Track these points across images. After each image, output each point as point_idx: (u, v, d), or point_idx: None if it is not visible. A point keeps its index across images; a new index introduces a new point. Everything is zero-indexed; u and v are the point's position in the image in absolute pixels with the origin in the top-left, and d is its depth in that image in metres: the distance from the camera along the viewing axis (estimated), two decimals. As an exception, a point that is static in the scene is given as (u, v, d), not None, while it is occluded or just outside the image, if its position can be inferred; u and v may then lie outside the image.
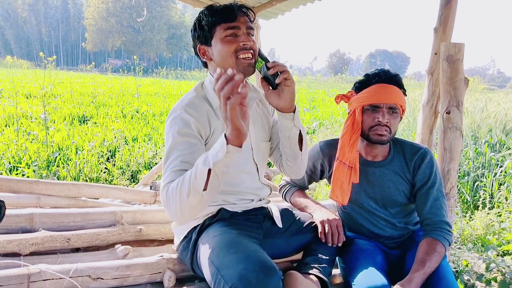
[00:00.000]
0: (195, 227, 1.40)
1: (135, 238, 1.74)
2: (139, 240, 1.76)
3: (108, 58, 73.69)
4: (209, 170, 1.06)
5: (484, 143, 4.82)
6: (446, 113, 1.92)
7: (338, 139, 1.64)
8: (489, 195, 4.02)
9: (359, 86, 1.59)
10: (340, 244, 1.54)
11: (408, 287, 1.31)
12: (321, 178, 1.78)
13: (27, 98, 10.73)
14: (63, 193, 2.05)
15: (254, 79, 3.17)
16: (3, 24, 72.97)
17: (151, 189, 2.87)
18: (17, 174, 4.14)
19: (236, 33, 1.30)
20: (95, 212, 1.76)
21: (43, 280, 1.24)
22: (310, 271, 1.42)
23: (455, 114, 1.91)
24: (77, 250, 1.64)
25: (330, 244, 1.53)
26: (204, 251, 1.27)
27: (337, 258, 1.63)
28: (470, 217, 3.61)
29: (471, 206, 4.06)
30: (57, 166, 4.57)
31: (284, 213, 1.60)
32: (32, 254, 1.50)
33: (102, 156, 5.17)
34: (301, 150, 1.41)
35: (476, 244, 3.05)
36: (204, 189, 1.08)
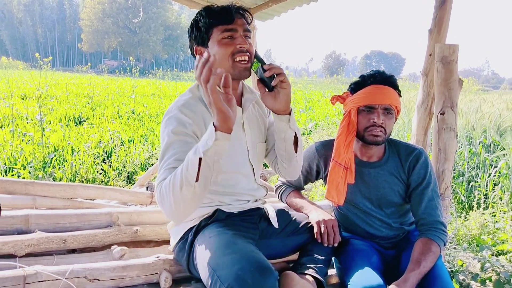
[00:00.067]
0: (191, 228, 1.40)
1: (131, 239, 1.74)
2: (135, 241, 1.76)
3: (104, 59, 73.52)
4: (200, 160, 1.07)
5: (479, 144, 4.85)
6: (441, 114, 1.93)
7: (333, 139, 1.65)
8: (484, 195, 4.05)
9: (355, 87, 1.59)
10: (336, 245, 1.55)
11: (403, 287, 1.32)
12: (316, 178, 1.79)
13: (23, 99, 10.68)
14: (59, 194, 2.05)
15: (251, 81, 3.18)
16: (-1, 25, 72.66)
17: (147, 190, 2.87)
18: (12, 175, 4.13)
19: (233, 36, 1.30)
20: (91, 213, 1.75)
21: (39, 281, 1.24)
22: (306, 271, 1.43)
23: (449, 115, 1.92)
24: (73, 251, 1.64)
25: (326, 245, 1.53)
26: (200, 252, 1.27)
27: (333, 258, 1.64)
28: (465, 217, 3.64)
29: (466, 206, 4.08)
30: (53, 167, 4.55)
31: (280, 213, 1.60)
32: (28, 255, 1.50)
33: (98, 157, 5.16)
34: (296, 152, 1.42)
35: (471, 244, 3.07)
36: (197, 180, 1.08)
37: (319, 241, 1.54)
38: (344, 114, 1.62)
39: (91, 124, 7.54)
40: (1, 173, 4.17)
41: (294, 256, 1.61)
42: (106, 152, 5.45)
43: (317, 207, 1.67)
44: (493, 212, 3.62)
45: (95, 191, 2.23)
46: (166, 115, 1.33)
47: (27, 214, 1.64)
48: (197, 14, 1.36)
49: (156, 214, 1.90)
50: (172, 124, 1.28)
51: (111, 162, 5.01)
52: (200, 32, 1.33)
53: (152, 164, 4.93)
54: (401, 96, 1.60)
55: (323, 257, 1.52)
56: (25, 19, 73.95)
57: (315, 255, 1.51)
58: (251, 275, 1.06)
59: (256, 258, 1.12)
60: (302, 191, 1.88)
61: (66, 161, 4.80)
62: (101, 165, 4.87)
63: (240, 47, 1.29)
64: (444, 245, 1.48)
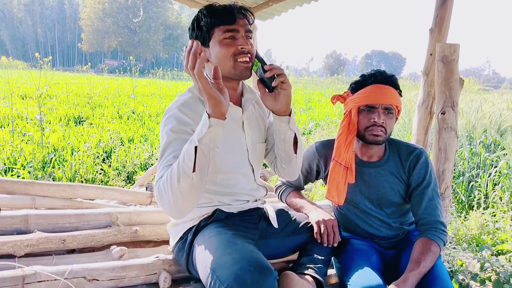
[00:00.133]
0: (190, 228, 1.40)
1: (130, 239, 1.74)
2: (134, 241, 1.76)
3: (104, 59, 73.54)
4: (196, 150, 1.07)
5: (479, 144, 4.84)
6: (441, 113, 1.93)
7: (334, 139, 1.65)
8: (484, 195, 4.05)
9: (355, 87, 1.59)
10: (335, 244, 1.55)
11: (403, 286, 1.32)
12: (316, 178, 1.78)
13: (23, 99, 10.67)
14: (58, 194, 2.05)
15: (251, 81, 3.17)
16: (-1, 25, 72.69)
17: (147, 190, 2.86)
18: (12, 175, 4.12)
19: (234, 36, 1.29)
20: (90, 213, 1.75)
21: (38, 281, 1.23)
22: (306, 271, 1.43)
23: (450, 115, 1.92)
24: (72, 251, 1.64)
25: (325, 245, 1.53)
26: (200, 252, 1.27)
27: (332, 258, 1.63)
28: (465, 217, 3.63)
29: (466, 206, 4.08)
30: (53, 167, 4.55)
31: (280, 213, 1.60)
32: (27, 255, 1.50)
33: (98, 157, 5.15)
34: (296, 153, 1.41)
35: (470, 244, 3.06)
36: (194, 170, 1.08)
37: (319, 241, 1.54)
38: (344, 113, 1.62)
39: (91, 124, 7.54)
40: (1, 173, 4.17)
41: (294, 256, 1.61)
42: (105, 152, 5.45)
43: (317, 207, 1.67)
44: (493, 212, 3.61)
45: (94, 191, 2.22)
46: (165, 114, 1.33)
47: (26, 214, 1.63)
48: (198, 12, 1.35)
49: (156, 214, 1.89)
50: (171, 122, 1.27)
51: (110, 162, 5.01)
52: (201, 32, 1.32)
53: (152, 164, 4.92)
54: (401, 96, 1.59)
55: (323, 257, 1.52)
56: (25, 18, 73.98)
57: (315, 255, 1.51)
58: (250, 275, 1.05)
59: (255, 258, 1.11)
60: (302, 191, 1.87)
61: (65, 161, 4.80)
62: (101, 165, 4.87)
63: (242, 48, 1.28)
64: (444, 245, 1.48)
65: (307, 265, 1.46)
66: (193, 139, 1.10)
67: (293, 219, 1.60)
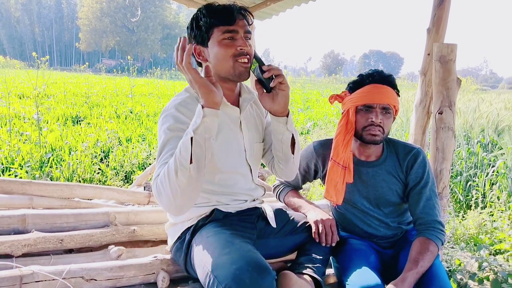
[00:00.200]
0: (188, 228, 1.40)
1: (128, 239, 1.73)
2: (132, 241, 1.75)
3: (102, 58, 73.30)
4: (192, 140, 1.08)
5: (477, 143, 4.86)
6: (439, 113, 1.93)
7: (331, 139, 1.65)
8: (482, 194, 4.06)
9: (353, 87, 1.59)
10: (333, 244, 1.55)
11: (401, 286, 1.32)
12: (314, 178, 1.79)
13: (20, 98, 10.64)
14: (56, 194, 2.04)
15: (249, 81, 3.17)
16: (-4, 24, 72.45)
17: (144, 189, 2.86)
18: (9, 175, 4.11)
19: (233, 37, 1.28)
20: (88, 213, 1.75)
21: (36, 281, 1.23)
22: (304, 271, 1.43)
23: (447, 115, 1.92)
24: (70, 251, 1.63)
25: (323, 244, 1.53)
26: (198, 252, 1.27)
27: (331, 258, 1.63)
28: (463, 217, 3.64)
29: (464, 205, 4.09)
30: (50, 167, 4.54)
31: (278, 213, 1.60)
32: (24, 255, 1.49)
33: (95, 156, 5.14)
34: (293, 153, 1.41)
35: (468, 243, 3.07)
36: (191, 162, 1.09)
37: (317, 240, 1.54)
38: (342, 113, 1.62)
39: (88, 123, 7.52)
40: (-2, 173, 4.16)
41: (292, 256, 1.61)
42: (103, 152, 5.44)
43: (315, 207, 1.67)
44: (491, 212, 3.63)
45: (92, 190, 2.22)
46: (163, 113, 1.33)
47: (24, 214, 1.63)
48: (197, 11, 1.34)
49: (154, 214, 1.89)
50: (168, 121, 1.27)
51: (108, 162, 5.00)
52: (200, 31, 1.31)
53: (149, 164, 4.91)
54: (399, 96, 1.60)
55: (321, 257, 1.52)
56: (22, 18, 73.73)
57: (313, 254, 1.51)
58: (248, 275, 1.05)
59: (253, 258, 1.11)
60: (300, 191, 1.87)
61: (63, 160, 4.79)
62: (99, 164, 4.86)
63: (241, 49, 1.28)
64: (442, 244, 1.48)
65: (306, 265, 1.46)
66: (189, 130, 1.11)
67: (291, 218, 1.60)
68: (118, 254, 1.56)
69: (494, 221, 3.38)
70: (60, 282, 1.25)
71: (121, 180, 4.60)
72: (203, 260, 1.21)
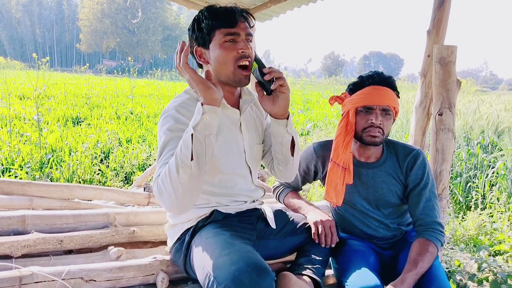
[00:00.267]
0: (188, 229, 1.40)
1: (128, 240, 1.73)
2: (132, 241, 1.75)
3: (103, 59, 73.41)
4: (192, 137, 1.10)
5: (477, 145, 4.86)
6: (439, 114, 1.94)
7: (331, 140, 1.65)
8: (481, 196, 4.06)
9: (353, 88, 1.59)
10: (333, 245, 1.55)
11: (400, 287, 1.32)
12: (314, 179, 1.79)
13: (20, 99, 10.65)
14: (56, 195, 2.04)
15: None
16: (-4, 25, 72.53)
17: (144, 190, 2.86)
18: (9, 175, 4.11)
19: (235, 39, 1.28)
20: (88, 214, 1.75)
21: (35, 282, 1.23)
22: (303, 272, 1.43)
23: (447, 116, 1.92)
24: (69, 252, 1.63)
25: (323, 245, 1.53)
26: (197, 253, 1.27)
27: (330, 259, 1.64)
28: (463, 218, 3.64)
29: (464, 206, 4.09)
30: (50, 168, 4.54)
31: (278, 214, 1.60)
32: (24, 256, 1.49)
33: (95, 157, 5.15)
34: (293, 155, 1.41)
35: (468, 245, 3.07)
36: (192, 159, 1.09)
37: (317, 241, 1.54)
38: (342, 114, 1.62)
39: (89, 124, 7.52)
40: (-2, 174, 4.16)
41: (292, 257, 1.61)
42: (103, 153, 5.44)
43: (315, 208, 1.67)
44: (491, 213, 3.63)
45: (92, 191, 2.22)
46: (163, 114, 1.33)
47: (23, 214, 1.63)
48: (199, 13, 1.34)
49: (153, 215, 1.89)
50: (169, 122, 1.27)
51: (108, 163, 5.00)
52: (201, 33, 1.31)
53: (149, 165, 4.92)
54: (399, 97, 1.60)
55: (321, 258, 1.52)
56: (23, 19, 73.81)
57: (313, 255, 1.51)
58: (248, 276, 1.05)
59: (253, 259, 1.11)
60: (300, 192, 1.87)
61: (63, 161, 4.79)
62: (99, 165, 4.86)
63: (242, 52, 1.28)
64: (442, 245, 1.48)
65: (305, 266, 1.46)
66: (189, 128, 1.12)
67: (291, 219, 1.60)
68: (117, 255, 1.56)
69: (494, 222, 3.38)
70: (59, 283, 1.25)
71: (121, 181, 4.60)
72: (202, 261, 1.21)
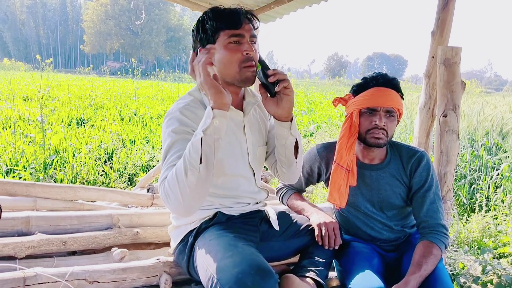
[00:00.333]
0: (191, 231, 1.40)
1: (131, 241, 1.74)
2: (135, 243, 1.76)
3: (106, 61, 73.66)
4: (202, 141, 1.10)
5: (481, 146, 4.83)
6: (443, 116, 1.93)
7: (335, 142, 1.65)
8: (486, 198, 4.03)
9: (357, 90, 1.59)
10: (336, 247, 1.55)
11: (404, 290, 1.32)
12: (318, 181, 1.78)
13: (25, 100, 10.71)
14: (60, 196, 2.05)
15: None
16: (1, 26, 72.94)
17: (148, 192, 2.87)
18: (14, 177, 4.13)
19: (239, 41, 1.28)
20: (91, 215, 1.75)
21: (39, 283, 1.23)
22: (307, 274, 1.42)
23: (452, 117, 1.92)
24: (73, 253, 1.64)
25: (326, 247, 1.53)
26: (201, 255, 1.27)
27: (333, 261, 1.63)
28: (467, 220, 3.62)
29: (468, 209, 4.07)
30: (54, 169, 4.55)
31: (281, 216, 1.60)
32: (28, 257, 1.50)
33: (99, 158, 5.16)
34: (296, 158, 1.41)
35: (472, 247, 3.05)
36: (201, 162, 1.10)
37: (320, 243, 1.53)
38: (346, 116, 1.62)
39: (92, 125, 7.55)
40: (3, 175, 4.18)
41: (295, 259, 1.60)
42: (107, 154, 5.45)
43: (318, 210, 1.66)
44: (495, 215, 3.60)
45: (96, 193, 2.23)
46: (167, 116, 1.33)
47: (27, 216, 1.63)
48: (203, 14, 1.33)
49: (157, 216, 1.89)
50: (173, 124, 1.27)
51: (112, 164, 5.01)
52: (206, 34, 1.31)
53: (153, 166, 4.92)
54: (403, 99, 1.59)
55: (324, 260, 1.51)
56: (27, 20, 74.26)
57: (316, 257, 1.51)
58: (251, 278, 1.05)
59: (256, 261, 1.11)
60: (303, 194, 1.87)
61: (67, 162, 4.80)
62: (102, 166, 4.87)
63: (247, 53, 1.27)
64: (446, 248, 1.48)
65: (308, 268, 1.46)
66: (198, 131, 1.12)
67: (294, 221, 1.60)
68: (121, 256, 1.56)
69: (498, 224, 3.36)
70: (63, 284, 1.25)
71: (125, 182, 4.61)
72: (205, 262, 1.21)
